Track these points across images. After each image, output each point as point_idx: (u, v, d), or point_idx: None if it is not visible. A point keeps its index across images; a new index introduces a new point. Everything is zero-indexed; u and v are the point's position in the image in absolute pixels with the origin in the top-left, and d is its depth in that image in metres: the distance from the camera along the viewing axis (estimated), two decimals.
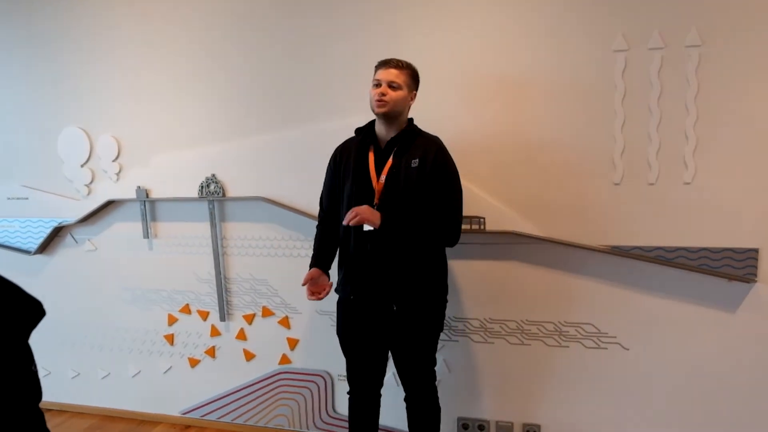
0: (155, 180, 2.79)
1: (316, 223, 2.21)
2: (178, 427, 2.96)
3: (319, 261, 2.14)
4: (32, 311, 0.95)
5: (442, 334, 2.44)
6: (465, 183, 2.30)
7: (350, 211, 1.87)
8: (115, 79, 2.77)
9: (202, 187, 2.70)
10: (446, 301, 2.10)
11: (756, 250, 2.11)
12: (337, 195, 2.09)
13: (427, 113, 2.25)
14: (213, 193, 2.68)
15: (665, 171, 2.16)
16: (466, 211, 2.32)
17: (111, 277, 2.97)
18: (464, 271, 2.43)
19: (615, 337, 2.32)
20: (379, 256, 1.96)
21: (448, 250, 2.36)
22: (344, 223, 1.89)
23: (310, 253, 2.58)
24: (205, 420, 2.94)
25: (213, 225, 2.72)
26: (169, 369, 2.97)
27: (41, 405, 0.94)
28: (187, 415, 2.97)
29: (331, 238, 2.16)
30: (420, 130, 2.03)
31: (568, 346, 2.38)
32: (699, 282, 2.20)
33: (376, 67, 1.97)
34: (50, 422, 2.99)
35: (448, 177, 1.96)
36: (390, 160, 1.97)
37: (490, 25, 2.27)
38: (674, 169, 2.15)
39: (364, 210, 1.87)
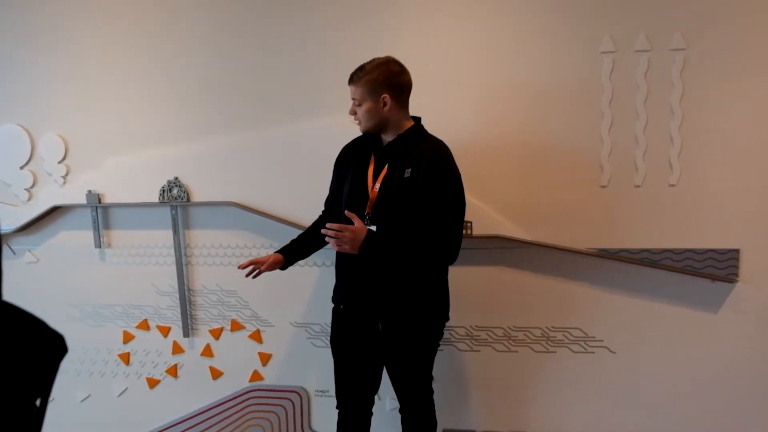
0: (109, 183, 2.62)
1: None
2: None
3: (289, 249, 2.11)
4: (56, 347, 0.86)
5: None
6: None
7: (338, 230, 1.78)
8: (62, 70, 2.59)
9: (163, 191, 2.56)
10: (446, 318, 2.05)
11: (737, 251, 2.23)
12: (337, 194, 2.06)
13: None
14: (176, 197, 2.55)
15: (651, 173, 2.25)
16: None
17: (56, 291, 2.76)
18: (450, 278, 2.41)
19: (602, 340, 2.38)
20: (370, 270, 1.92)
21: None
22: (327, 240, 1.83)
23: None
24: None
25: (176, 232, 2.59)
26: (124, 391, 2.79)
27: None
28: None
29: (318, 238, 2.06)
30: (424, 134, 1.96)
31: (555, 352, 2.42)
32: (684, 283, 2.29)
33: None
34: None
35: (442, 188, 1.82)
36: (386, 168, 1.92)
37: (477, 28, 2.29)
38: (660, 171, 2.24)
39: (346, 237, 1.78)
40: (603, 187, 2.29)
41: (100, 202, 2.62)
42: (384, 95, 1.84)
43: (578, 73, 2.23)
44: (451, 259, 1.89)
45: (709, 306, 2.29)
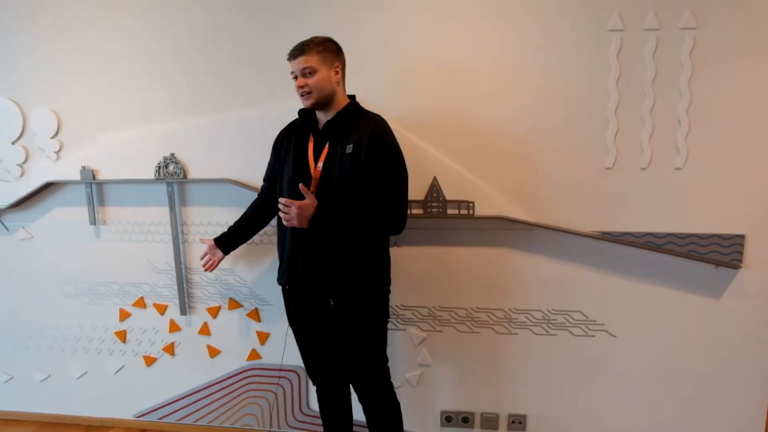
0: (103, 159, 2.65)
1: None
2: (132, 431, 2.87)
3: (225, 240, 2.36)
4: None
5: (424, 324, 2.52)
6: (455, 166, 2.37)
7: (285, 205, 1.89)
8: (53, 42, 2.60)
9: (159, 167, 2.59)
10: (389, 292, 2.13)
11: (742, 236, 2.27)
12: (276, 179, 2.15)
13: (414, 95, 2.36)
14: (172, 174, 2.59)
15: (657, 156, 2.27)
16: (455, 195, 2.37)
17: (50, 268, 2.82)
18: (451, 258, 2.48)
19: (603, 324, 2.44)
20: (315, 248, 1.99)
21: (435, 237, 2.43)
22: (282, 220, 1.96)
23: None
24: (163, 423, 2.88)
25: (172, 209, 2.63)
26: (120, 369, 2.87)
27: None
28: (142, 419, 2.90)
29: (253, 225, 2.35)
30: (361, 110, 2.03)
31: (555, 335, 2.48)
32: (687, 268, 2.34)
33: (287, 59, 1.97)
34: None
35: (385, 161, 1.91)
36: (327, 147, 1.98)
37: (481, 4, 2.28)
38: (666, 154, 2.27)
39: (292, 212, 1.88)
40: (608, 169, 2.32)
41: (94, 179, 2.65)
42: (336, 64, 1.96)
43: (585, 51, 2.25)
44: (398, 230, 1.98)
45: (712, 291, 2.34)
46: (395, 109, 2.31)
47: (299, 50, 1.91)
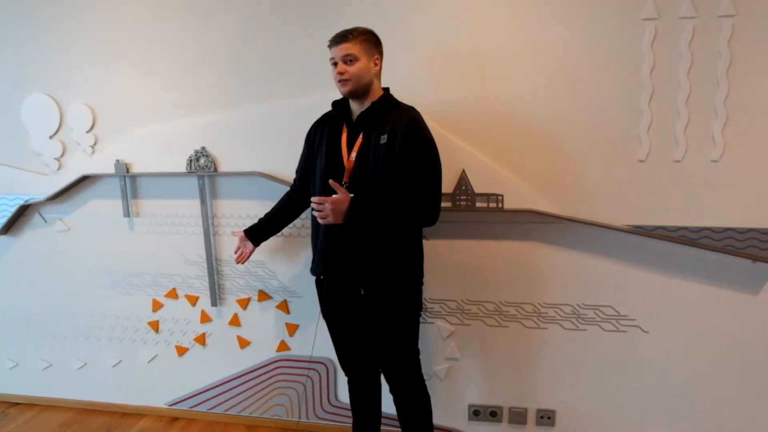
0: (137, 153, 2.72)
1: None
2: (164, 419, 2.96)
3: (255, 231, 2.35)
4: None
5: (452, 317, 2.52)
6: (484, 158, 2.36)
7: (319, 202, 1.90)
8: (88, 39, 2.67)
9: (190, 160, 2.64)
10: (422, 284, 2.13)
11: None
12: (309, 171, 2.18)
13: (442, 88, 2.36)
14: (203, 167, 2.63)
15: (693, 148, 2.23)
16: (484, 188, 2.37)
17: (87, 259, 2.91)
18: (479, 252, 2.47)
19: (635, 319, 2.40)
20: (348, 239, 2.01)
21: (463, 231, 2.43)
22: (317, 218, 1.95)
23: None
24: (195, 411, 2.95)
25: (203, 202, 2.68)
26: (154, 358, 2.95)
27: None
28: (174, 407, 2.98)
29: (284, 217, 2.36)
30: (396, 102, 2.05)
31: (585, 330, 2.46)
32: (723, 263, 2.29)
33: (328, 45, 1.98)
34: (19, 417, 2.96)
35: (420, 152, 1.92)
36: (360, 137, 1.99)
37: None
38: (702, 146, 2.22)
39: (327, 211, 1.89)
40: (641, 161, 2.28)
41: (128, 172, 2.73)
42: (376, 56, 1.99)
43: (618, 41, 2.21)
44: (432, 221, 1.99)
45: (749, 288, 2.29)
46: (423, 101, 2.30)
47: (342, 37, 1.93)
